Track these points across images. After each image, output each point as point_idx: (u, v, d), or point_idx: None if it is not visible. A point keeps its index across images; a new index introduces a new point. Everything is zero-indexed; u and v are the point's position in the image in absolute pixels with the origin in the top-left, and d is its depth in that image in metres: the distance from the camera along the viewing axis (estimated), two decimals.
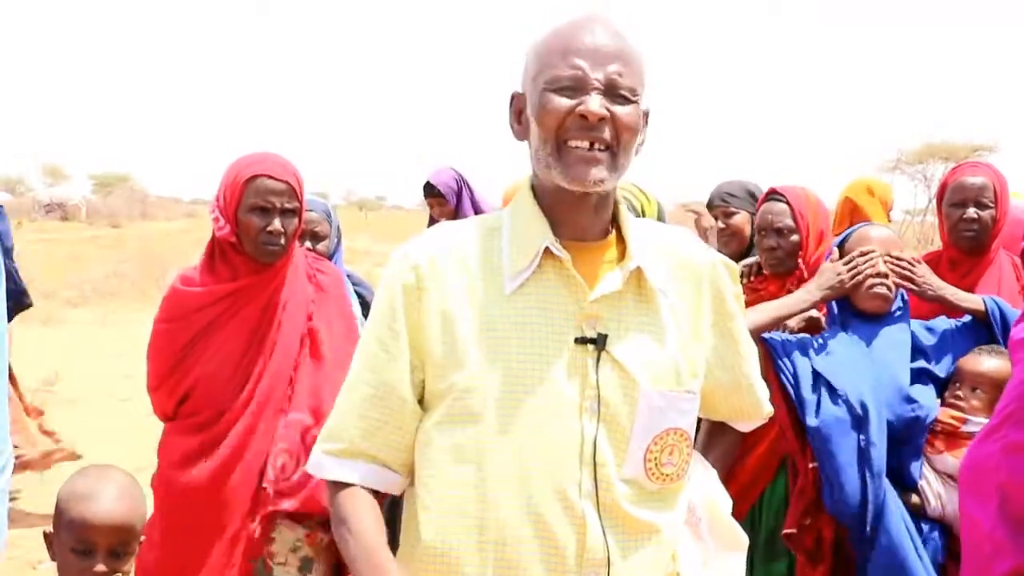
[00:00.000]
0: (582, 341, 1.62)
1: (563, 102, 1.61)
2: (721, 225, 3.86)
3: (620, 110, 1.61)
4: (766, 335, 2.84)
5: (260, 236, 2.77)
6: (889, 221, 6.03)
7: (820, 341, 2.86)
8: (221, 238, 2.84)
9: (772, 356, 2.81)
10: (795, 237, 3.23)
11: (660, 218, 3.11)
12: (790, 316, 2.90)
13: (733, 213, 3.87)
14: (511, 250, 1.68)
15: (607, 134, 1.61)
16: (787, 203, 3.25)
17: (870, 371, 2.75)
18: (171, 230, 27.20)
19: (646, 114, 1.70)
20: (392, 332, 1.70)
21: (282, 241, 2.80)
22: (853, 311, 2.88)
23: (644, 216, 2.90)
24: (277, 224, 2.77)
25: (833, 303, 2.91)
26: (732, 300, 1.82)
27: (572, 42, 1.63)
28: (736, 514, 3.19)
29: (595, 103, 1.59)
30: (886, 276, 2.82)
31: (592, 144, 1.61)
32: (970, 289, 3.12)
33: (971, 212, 3.20)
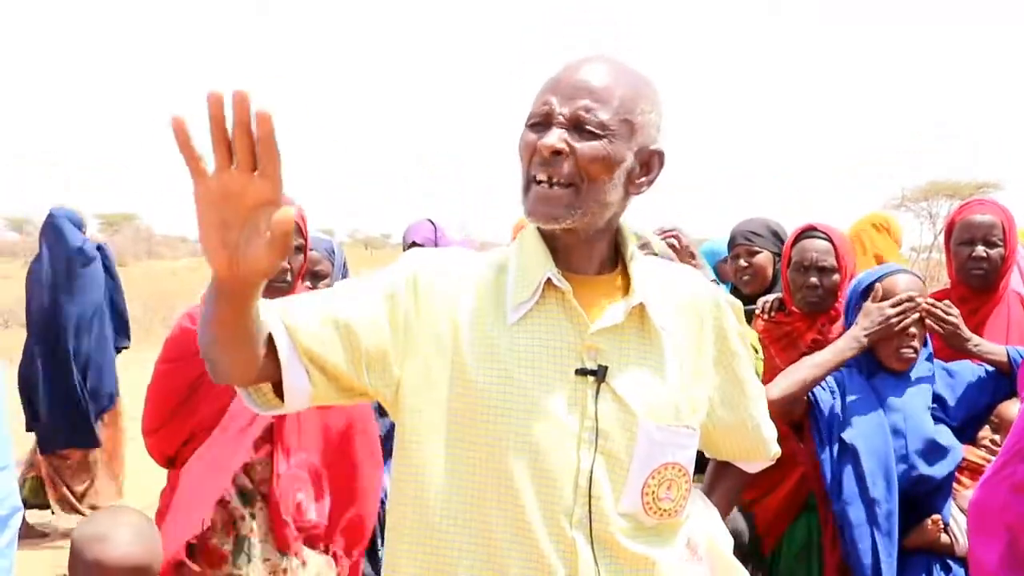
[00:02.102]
0: (582, 372, 1.61)
1: (530, 137, 1.61)
2: (743, 263, 3.78)
3: (583, 145, 1.58)
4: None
5: None
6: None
7: (844, 400, 2.83)
8: None
9: (813, 406, 2.80)
10: (836, 277, 3.17)
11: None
12: (843, 362, 2.83)
13: (756, 252, 3.78)
14: (514, 282, 1.66)
15: (566, 168, 1.58)
16: (830, 241, 3.20)
17: (893, 429, 2.74)
18: (177, 269, 27.22)
19: (655, 153, 1.67)
20: (390, 299, 1.63)
21: (288, 277, 2.80)
22: (878, 363, 2.85)
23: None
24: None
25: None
26: (735, 338, 1.79)
27: (553, 80, 1.64)
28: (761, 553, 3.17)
29: (550, 136, 1.58)
30: (913, 337, 2.80)
31: (550, 179, 1.59)
32: (979, 326, 3.12)
33: (980, 251, 3.19)
